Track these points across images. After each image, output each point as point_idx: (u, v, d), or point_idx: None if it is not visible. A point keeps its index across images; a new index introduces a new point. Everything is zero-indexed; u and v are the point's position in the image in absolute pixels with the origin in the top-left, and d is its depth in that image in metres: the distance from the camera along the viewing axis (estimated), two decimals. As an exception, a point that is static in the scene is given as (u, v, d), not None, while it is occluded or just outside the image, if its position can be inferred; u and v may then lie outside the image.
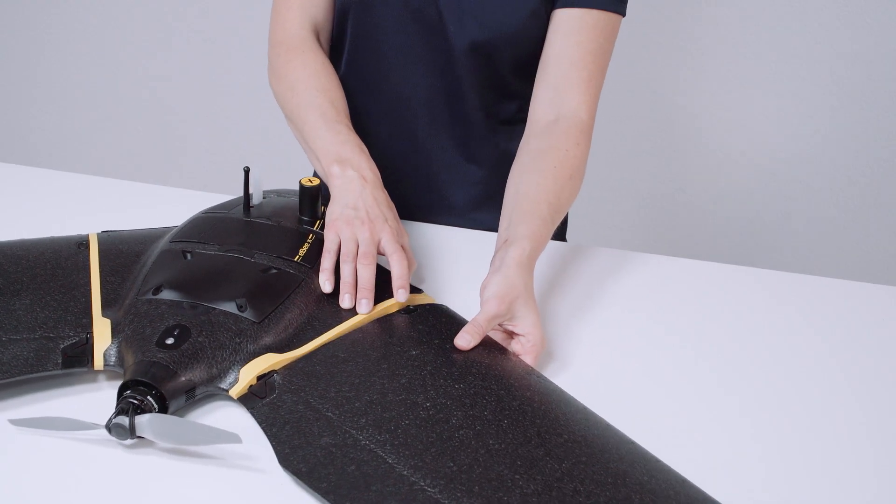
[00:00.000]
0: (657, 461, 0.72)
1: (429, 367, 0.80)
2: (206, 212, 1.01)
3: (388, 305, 0.88)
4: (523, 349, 0.84)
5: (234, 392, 0.78)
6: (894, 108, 1.97)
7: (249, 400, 0.77)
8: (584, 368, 0.86)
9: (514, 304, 0.83)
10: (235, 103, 2.37)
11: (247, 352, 0.80)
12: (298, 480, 0.69)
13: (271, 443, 0.71)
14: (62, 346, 0.81)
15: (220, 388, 0.79)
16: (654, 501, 0.67)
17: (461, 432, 0.72)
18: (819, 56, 1.97)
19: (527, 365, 0.83)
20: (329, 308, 0.87)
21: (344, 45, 1.13)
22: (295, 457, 0.70)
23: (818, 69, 1.98)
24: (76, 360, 0.80)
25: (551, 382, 0.81)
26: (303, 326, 0.85)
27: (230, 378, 0.79)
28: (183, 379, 0.77)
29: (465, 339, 0.82)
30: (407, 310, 0.88)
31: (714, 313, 0.97)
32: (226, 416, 0.78)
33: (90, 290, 0.88)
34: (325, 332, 0.84)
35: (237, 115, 2.39)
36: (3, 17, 2.57)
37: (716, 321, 0.95)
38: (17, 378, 0.77)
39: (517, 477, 0.68)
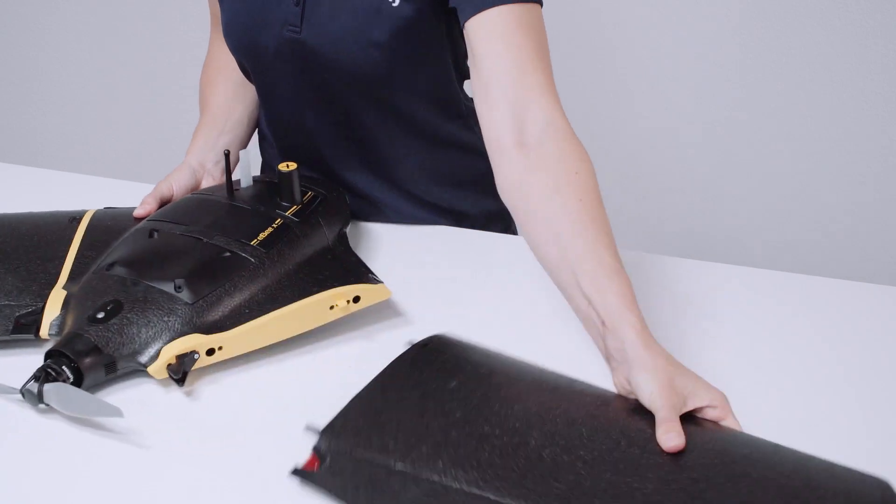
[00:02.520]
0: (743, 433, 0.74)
1: (477, 396, 0.76)
2: (195, 192, 1.04)
3: (335, 293, 0.87)
4: (718, 415, 0.75)
5: (153, 369, 0.80)
6: (894, 105, 1.97)
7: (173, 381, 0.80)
8: (580, 368, 0.86)
9: (676, 387, 0.74)
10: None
11: (174, 331, 0.82)
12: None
13: None
14: (17, 314, 0.85)
15: (139, 363, 0.81)
16: (767, 473, 0.67)
17: (547, 451, 0.70)
18: (819, 54, 1.97)
19: (560, 375, 0.81)
20: (272, 293, 0.87)
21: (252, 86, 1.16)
22: None
23: (817, 68, 1.98)
24: (25, 328, 0.85)
25: (586, 384, 0.80)
26: (238, 310, 0.85)
27: (151, 354, 0.80)
28: (103, 353, 0.79)
29: (675, 440, 0.70)
30: (421, 344, 0.85)
31: (713, 313, 0.97)
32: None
33: (64, 263, 0.92)
34: (259, 316, 0.84)
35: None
36: (3, 17, 2.57)
37: (715, 321, 0.95)
38: None
39: (629, 479, 0.66)
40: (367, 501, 0.68)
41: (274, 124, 1.17)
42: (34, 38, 2.57)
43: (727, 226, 2.17)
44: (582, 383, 0.80)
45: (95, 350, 0.79)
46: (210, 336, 0.82)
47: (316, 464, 0.72)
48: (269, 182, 1.04)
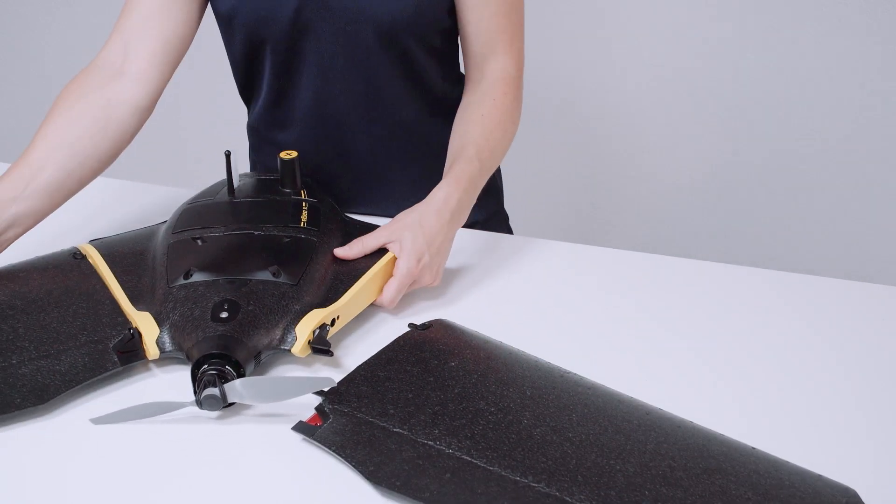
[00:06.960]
0: (722, 434, 0.76)
1: (475, 376, 0.81)
2: (190, 202, 1.02)
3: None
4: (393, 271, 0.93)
5: (297, 349, 0.82)
6: (894, 106, 1.97)
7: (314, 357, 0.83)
8: (574, 362, 0.86)
9: (401, 232, 0.94)
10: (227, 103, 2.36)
11: (294, 311, 0.84)
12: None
13: (351, 464, 0.72)
14: (112, 345, 0.83)
15: (282, 348, 0.83)
16: (741, 470, 0.71)
17: (538, 430, 0.74)
18: (816, 52, 1.97)
19: (554, 365, 0.84)
20: (347, 263, 0.93)
21: (262, 62, 1.13)
22: (382, 473, 0.71)
23: (815, 65, 1.98)
24: (132, 355, 0.83)
25: (578, 375, 0.83)
26: (332, 282, 0.89)
27: (289, 338, 0.83)
28: (249, 345, 0.80)
29: (343, 251, 0.93)
30: (423, 326, 0.90)
31: (714, 313, 0.97)
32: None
33: (111, 291, 0.90)
34: (354, 283, 0.89)
35: (223, 113, 2.38)
36: (2, 17, 2.58)
37: (715, 321, 0.95)
38: (85, 383, 0.80)
39: (612, 462, 0.71)
40: (364, 458, 0.72)
41: (285, 103, 1.15)
42: (34, 38, 2.57)
43: (727, 226, 2.17)
44: (574, 374, 0.83)
45: (243, 343, 0.80)
46: (327, 308, 0.86)
47: (318, 422, 0.76)
48: (254, 177, 1.06)
